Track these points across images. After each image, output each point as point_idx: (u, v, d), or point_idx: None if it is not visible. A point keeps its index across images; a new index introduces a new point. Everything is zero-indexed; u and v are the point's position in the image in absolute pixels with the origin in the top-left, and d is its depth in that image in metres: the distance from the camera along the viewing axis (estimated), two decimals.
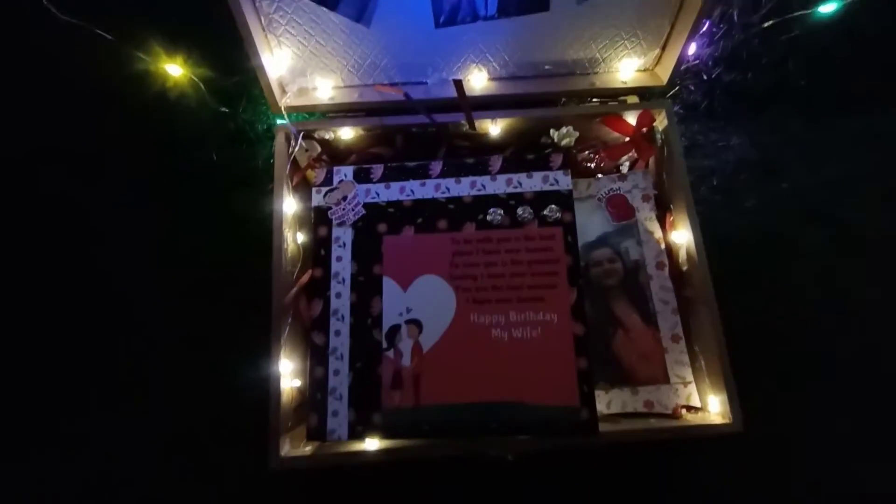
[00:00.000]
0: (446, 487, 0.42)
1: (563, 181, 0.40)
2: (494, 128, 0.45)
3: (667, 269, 0.41)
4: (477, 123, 0.43)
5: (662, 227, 0.43)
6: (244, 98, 0.50)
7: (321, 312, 0.39)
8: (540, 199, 0.39)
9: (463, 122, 0.43)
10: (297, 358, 0.40)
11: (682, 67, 0.51)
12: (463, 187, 0.40)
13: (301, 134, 0.43)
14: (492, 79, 0.45)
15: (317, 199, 0.41)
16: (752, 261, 0.49)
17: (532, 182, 0.40)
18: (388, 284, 0.39)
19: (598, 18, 0.41)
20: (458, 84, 0.42)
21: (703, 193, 0.51)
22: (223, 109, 0.49)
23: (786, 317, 0.47)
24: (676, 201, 0.43)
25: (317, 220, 0.41)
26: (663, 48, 0.44)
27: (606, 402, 0.39)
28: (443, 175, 0.41)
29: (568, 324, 0.36)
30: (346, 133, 0.44)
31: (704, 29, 0.49)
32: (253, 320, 0.41)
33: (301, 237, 0.44)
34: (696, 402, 0.39)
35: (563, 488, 0.42)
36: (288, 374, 0.38)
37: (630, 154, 0.46)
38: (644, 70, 0.46)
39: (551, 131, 0.44)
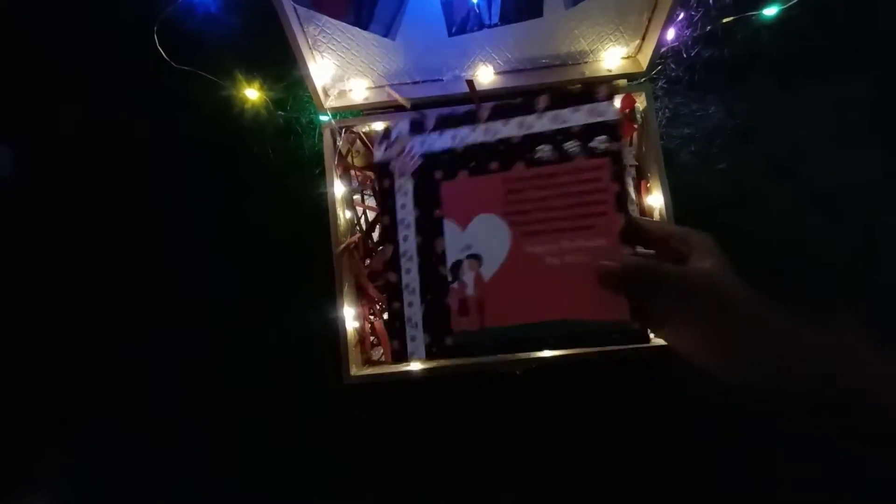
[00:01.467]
0: (468, 398, 0.56)
1: (610, 111, 0.40)
2: None
3: None
4: None
5: (639, 192, 0.53)
6: (290, 98, 0.60)
7: (392, 255, 0.44)
8: (587, 131, 0.40)
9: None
10: (353, 304, 0.53)
11: (664, 49, 0.58)
12: (511, 128, 0.42)
13: (343, 129, 0.53)
14: (497, 73, 0.54)
15: (378, 154, 0.45)
16: (723, 217, 0.58)
17: (578, 115, 0.40)
18: (449, 226, 0.42)
19: (584, 19, 0.49)
20: (470, 83, 0.51)
21: (683, 158, 0.60)
22: (280, 112, 0.59)
23: (750, 268, 0.57)
24: (652, 170, 0.52)
25: (380, 174, 0.45)
26: (643, 38, 0.51)
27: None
28: (491, 118, 0.42)
29: (617, 247, 0.38)
30: (379, 126, 0.54)
31: (681, 17, 0.56)
32: (314, 280, 0.54)
33: (348, 213, 0.55)
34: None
35: (564, 396, 0.55)
36: (350, 317, 0.51)
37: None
38: (628, 57, 0.54)
39: None
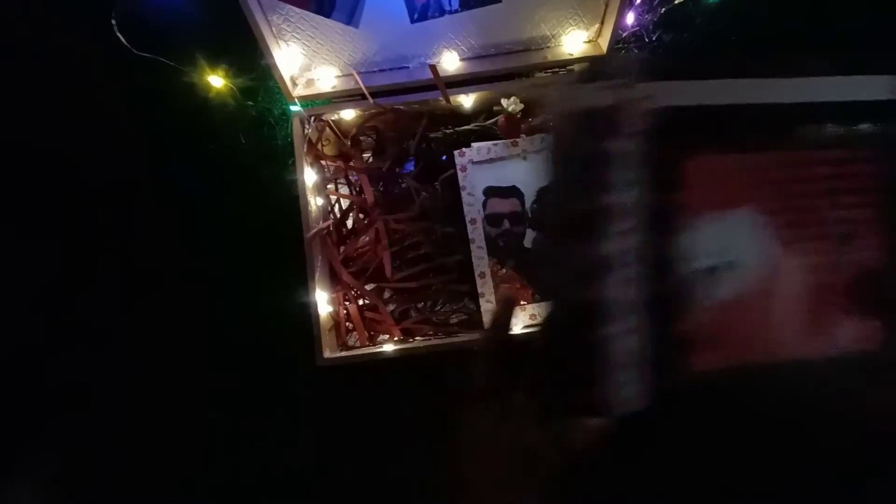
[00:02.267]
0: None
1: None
2: (468, 100, 0.55)
3: None
4: (452, 98, 0.54)
5: None
6: (261, 90, 0.60)
7: (596, 260, 0.26)
8: (884, 112, 0.28)
9: (440, 98, 0.53)
10: (327, 289, 0.53)
11: (626, 34, 0.60)
12: (785, 91, 0.27)
13: (312, 118, 0.54)
14: (462, 59, 0.55)
15: (587, 96, 0.26)
16: None
17: (875, 88, 0.28)
18: (695, 219, 0.27)
19: (543, 4, 0.50)
20: (433, 68, 0.52)
21: None
22: (249, 103, 0.59)
23: None
24: None
25: (590, 127, 0.26)
26: (602, 22, 0.53)
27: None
28: (753, 75, 0.27)
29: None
30: (348, 114, 0.55)
31: (639, 1, 0.58)
32: (287, 264, 0.55)
33: (320, 200, 0.56)
34: None
35: None
36: (323, 300, 0.52)
37: None
38: (589, 41, 0.55)
39: (502, 100, 0.54)
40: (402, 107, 0.54)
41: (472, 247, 0.53)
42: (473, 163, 0.55)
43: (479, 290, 0.53)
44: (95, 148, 0.61)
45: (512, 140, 0.55)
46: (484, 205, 0.55)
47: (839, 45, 0.60)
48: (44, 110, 0.62)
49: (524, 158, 0.55)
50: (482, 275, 0.53)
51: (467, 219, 0.54)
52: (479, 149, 0.55)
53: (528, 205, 0.55)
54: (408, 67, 0.55)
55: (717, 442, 0.25)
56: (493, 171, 0.55)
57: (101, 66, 0.61)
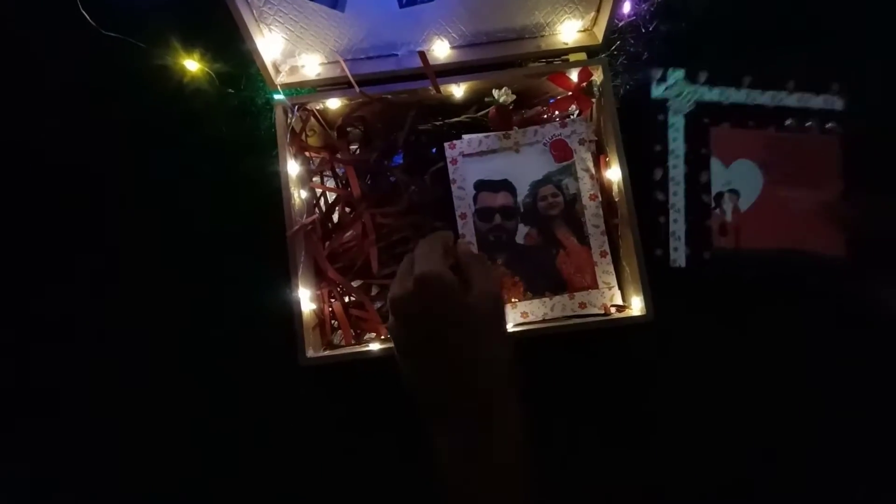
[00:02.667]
0: None
1: (838, 103, 0.57)
2: (458, 90, 0.53)
3: (598, 199, 0.51)
4: (442, 87, 0.52)
5: (597, 166, 0.53)
6: (244, 78, 0.58)
7: (661, 177, 0.55)
8: (824, 115, 0.56)
9: (430, 87, 0.51)
10: (311, 286, 0.51)
11: (622, 23, 0.58)
12: (766, 98, 0.56)
13: (296, 107, 0.52)
14: (453, 47, 0.53)
15: (656, 91, 0.57)
16: None
17: (817, 101, 0.56)
18: (715, 163, 0.55)
19: None
20: (422, 55, 0.50)
21: None
22: (229, 90, 0.57)
23: None
24: (609, 144, 0.51)
25: (656, 109, 0.56)
26: (597, 10, 0.51)
27: (550, 306, 0.51)
28: (750, 87, 0.57)
29: (839, 201, 0.55)
30: (334, 103, 0.53)
31: None
32: (269, 260, 0.52)
33: (304, 193, 0.53)
34: (618, 300, 0.50)
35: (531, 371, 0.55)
36: (306, 297, 0.50)
37: (572, 106, 0.54)
38: (584, 30, 0.53)
39: (493, 91, 0.52)
40: (389, 96, 0.52)
41: (460, 243, 0.52)
42: (464, 155, 0.53)
43: None
44: (60, 137, 0.58)
45: (503, 132, 0.53)
46: (474, 199, 0.53)
47: (832, 36, 0.59)
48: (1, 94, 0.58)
49: (516, 151, 0.53)
50: None
51: (457, 213, 0.52)
52: (469, 141, 0.53)
53: (520, 199, 0.53)
54: (396, 55, 0.53)
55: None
56: (484, 163, 0.53)
57: (62, 48, 0.57)
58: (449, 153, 0.53)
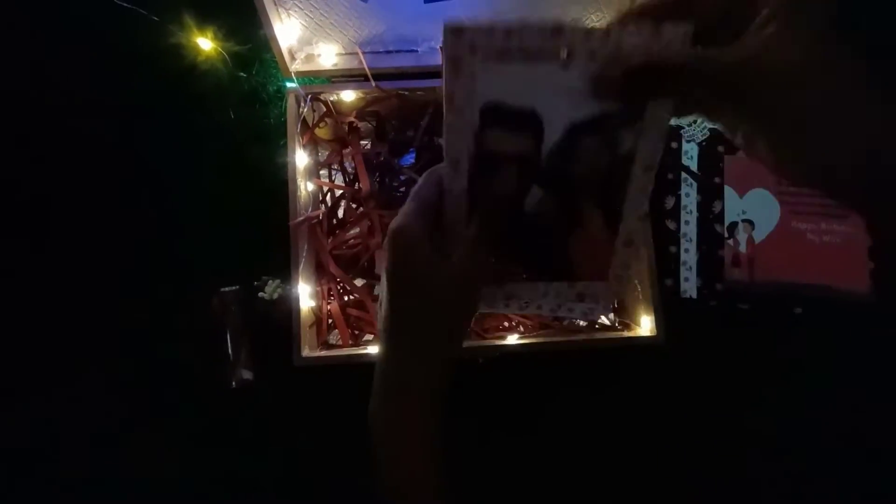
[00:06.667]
0: None
1: None
2: None
3: (654, 172, 0.31)
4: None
5: None
6: (257, 63, 0.56)
7: (673, 206, 0.55)
8: None
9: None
10: (312, 282, 0.49)
11: None
12: None
13: (309, 96, 0.50)
14: None
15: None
16: None
17: None
18: (728, 192, 0.54)
19: None
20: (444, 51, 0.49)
21: None
22: (241, 74, 0.55)
23: None
24: None
25: (669, 135, 0.55)
26: None
27: (542, 293, 0.35)
28: None
29: (863, 237, 0.55)
30: (348, 95, 0.51)
31: None
32: (272, 254, 0.50)
33: (311, 186, 0.52)
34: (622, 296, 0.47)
35: (517, 386, 0.53)
36: (305, 294, 0.48)
37: None
38: None
39: None
40: (406, 93, 0.51)
41: (448, 198, 0.31)
42: (475, 51, 0.26)
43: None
44: (63, 110, 0.56)
45: (556, 25, 0.26)
46: (477, 135, 0.29)
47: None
48: (8, 63, 0.56)
49: (564, 66, 0.27)
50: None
51: (447, 157, 0.30)
52: (491, 27, 0.26)
53: (547, 146, 0.30)
54: (416, 51, 0.51)
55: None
56: (505, 75, 0.28)
57: (75, 17, 0.55)
58: (450, 44, 0.27)
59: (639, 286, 0.48)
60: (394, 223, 0.30)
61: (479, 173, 0.30)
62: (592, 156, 0.31)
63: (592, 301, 0.35)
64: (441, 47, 0.35)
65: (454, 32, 0.27)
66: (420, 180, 0.31)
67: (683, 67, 0.24)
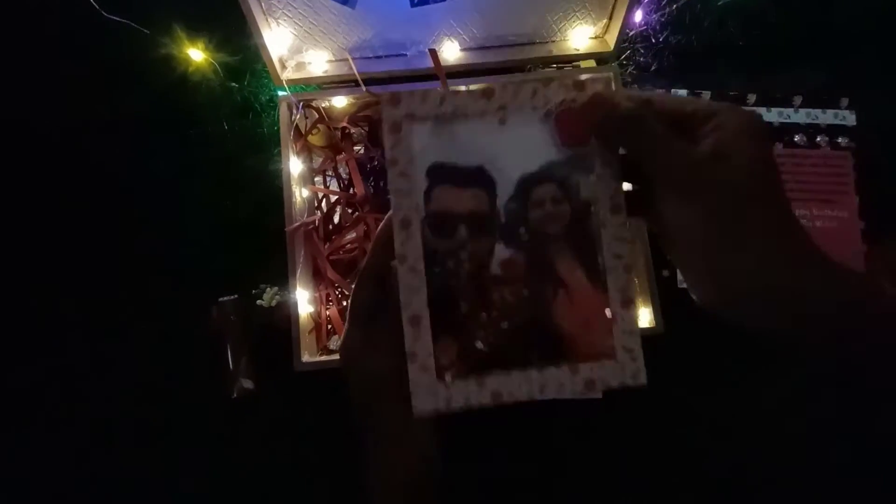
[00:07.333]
0: None
1: (850, 118, 0.57)
2: None
3: (623, 212, 0.30)
4: (452, 90, 0.51)
5: None
6: (248, 73, 0.56)
7: None
8: (832, 130, 0.57)
9: (439, 88, 0.50)
10: (310, 288, 0.49)
11: (633, 33, 0.58)
12: (772, 116, 0.57)
13: (301, 104, 0.51)
14: (463, 50, 0.52)
15: None
16: None
17: (826, 116, 0.57)
18: None
19: None
20: (433, 53, 0.49)
21: None
22: (233, 84, 0.56)
23: None
24: None
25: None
26: (610, 18, 0.51)
27: (539, 384, 0.29)
28: (756, 105, 0.57)
29: (855, 220, 0.55)
30: (340, 101, 0.52)
31: None
32: (269, 261, 0.50)
33: (306, 192, 0.52)
34: (642, 377, 0.31)
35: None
36: (304, 299, 0.48)
37: None
38: (595, 37, 0.53)
39: None
40: None
41: (400, 270, 0.29)
42: (412, 118, 0.29)
43: (408, 349, 0.28)
44: (54, 124, 0.56)
45: (484, 87, 0.30)
46: (427, 195, 0.29)
47: (838, 50, 0.60)
48: None
49: (501, 121, 0.29)
50: (414, 321, 0.28)
51: (396, 218, 0.29)
52: (425, 94, 0.29)
53: (501, 202, 0.30)
54: (405, 55, 0.52)
55: None
56: (446, 136, 0.29)
57: (62, 30, 0.56)
58: (388, 113, 0.29)
59: (635, 278, 0.48)
60: (340, 342, 0.35)
61: (433, 233, 0.29)
62: (551, 205, 0.30)
63: (604, 386, 0.30)
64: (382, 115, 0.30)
65: (391, 101, 0.29)
66: (357, 282, 0.34)
67: (633, 111, 0.27)
